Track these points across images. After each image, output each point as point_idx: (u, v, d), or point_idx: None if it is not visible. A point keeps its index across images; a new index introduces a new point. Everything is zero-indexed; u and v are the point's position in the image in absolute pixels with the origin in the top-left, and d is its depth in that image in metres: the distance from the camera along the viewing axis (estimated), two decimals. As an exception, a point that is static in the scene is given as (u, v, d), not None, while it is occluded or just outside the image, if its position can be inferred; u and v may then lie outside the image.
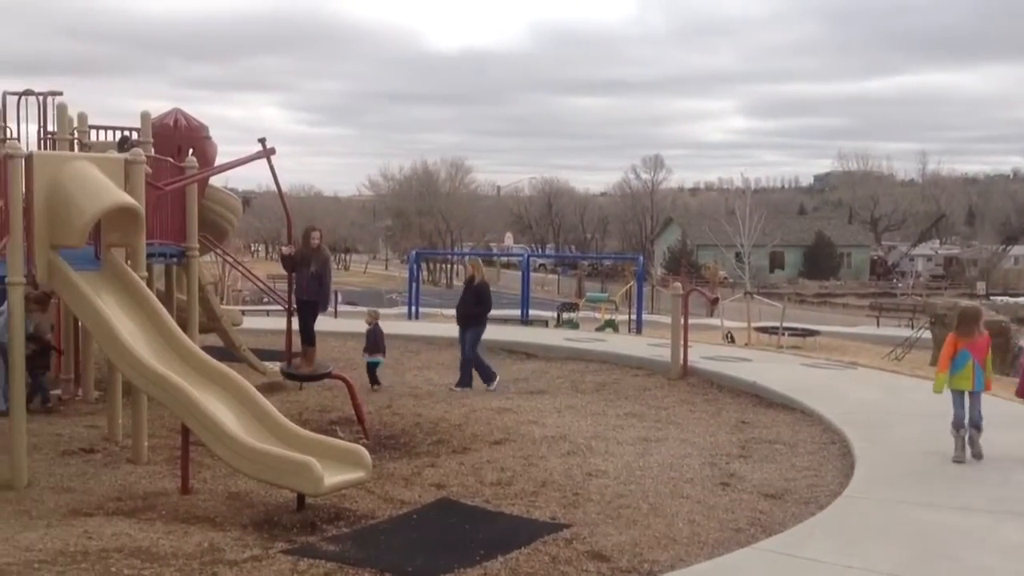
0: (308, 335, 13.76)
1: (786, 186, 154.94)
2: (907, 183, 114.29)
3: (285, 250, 14.21)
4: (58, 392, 13.36)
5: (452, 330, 22.63)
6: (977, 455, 9.85)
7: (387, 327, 16.20)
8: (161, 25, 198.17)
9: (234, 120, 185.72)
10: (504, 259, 75.64)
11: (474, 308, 15.39)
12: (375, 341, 15.34)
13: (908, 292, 61.06)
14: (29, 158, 9.35)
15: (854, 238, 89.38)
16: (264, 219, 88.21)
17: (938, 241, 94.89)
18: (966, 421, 9.89)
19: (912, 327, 29.10)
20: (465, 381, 15.12)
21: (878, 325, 35.84)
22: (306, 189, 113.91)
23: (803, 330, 27.10)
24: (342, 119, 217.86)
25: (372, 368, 15.16)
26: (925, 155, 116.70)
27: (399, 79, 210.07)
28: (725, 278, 56.52)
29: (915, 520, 7.97)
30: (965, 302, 15.57)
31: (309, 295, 13.71)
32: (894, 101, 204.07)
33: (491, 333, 21.79)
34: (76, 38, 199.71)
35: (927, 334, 23.35)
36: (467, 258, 33.41)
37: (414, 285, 30.08)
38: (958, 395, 9.97)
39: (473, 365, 15.21)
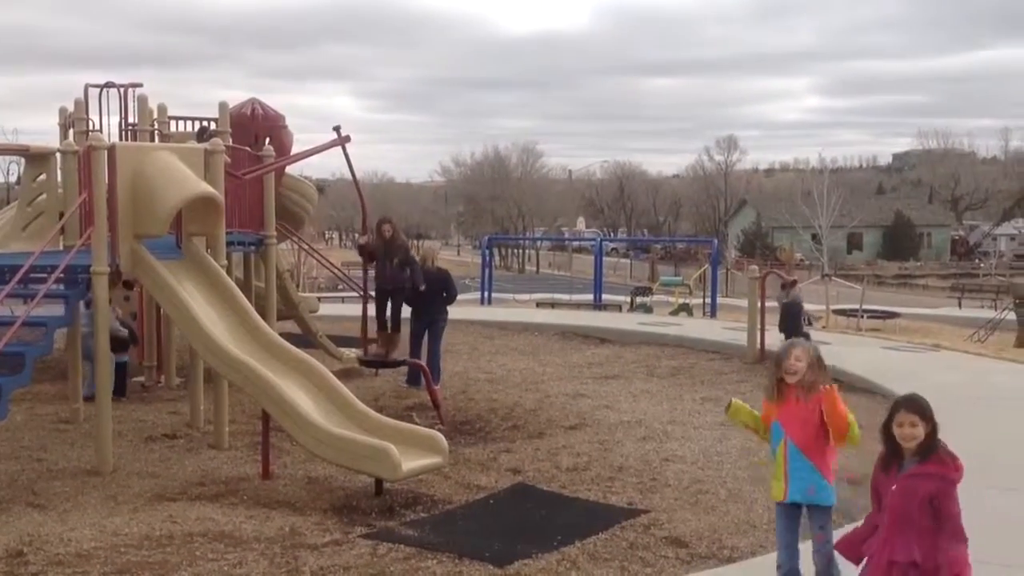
0: (395, 322, 13.92)
1: (864, 165, 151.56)
2: (989, 161, 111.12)
3: (362, 240, 14.30)
4: (141, 379, 13.66)
5: (526, 315, 22.77)
6: None
7: (460, 313, 16.25)
8: (235, 16, 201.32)
9: (308, 108, 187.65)
10: (576, 244, 75.45)
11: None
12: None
13: (991, 272, 59.57)
14: (112, 149, 9.51)
15: (934, 218, 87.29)
16: (338, 207, 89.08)
17: (1022, 220, 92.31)
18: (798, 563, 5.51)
19: (995, 308, 28.40)
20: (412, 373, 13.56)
21: (960, 306, 34.94)
22: (379, 176, 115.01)
23: (883, 312, 26.58)
24: (413, 106, 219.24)
25: None
26: (1008, 132, 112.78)
27: (470, 65, 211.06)
28: (801, 260, 55.74)
29: (1001, 505, 7.78)
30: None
31: (393, 283, 13.82)
32: (975, 77, 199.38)
33: (565, 318, 21.83)
34: (154, 31, 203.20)
35: (1011, 315, 22.81)
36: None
37: (487, 271, 30.14)
38: (780, 510, 5.67)
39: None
